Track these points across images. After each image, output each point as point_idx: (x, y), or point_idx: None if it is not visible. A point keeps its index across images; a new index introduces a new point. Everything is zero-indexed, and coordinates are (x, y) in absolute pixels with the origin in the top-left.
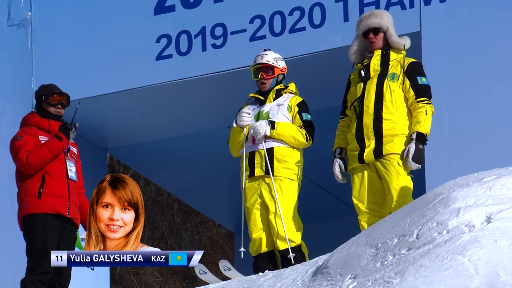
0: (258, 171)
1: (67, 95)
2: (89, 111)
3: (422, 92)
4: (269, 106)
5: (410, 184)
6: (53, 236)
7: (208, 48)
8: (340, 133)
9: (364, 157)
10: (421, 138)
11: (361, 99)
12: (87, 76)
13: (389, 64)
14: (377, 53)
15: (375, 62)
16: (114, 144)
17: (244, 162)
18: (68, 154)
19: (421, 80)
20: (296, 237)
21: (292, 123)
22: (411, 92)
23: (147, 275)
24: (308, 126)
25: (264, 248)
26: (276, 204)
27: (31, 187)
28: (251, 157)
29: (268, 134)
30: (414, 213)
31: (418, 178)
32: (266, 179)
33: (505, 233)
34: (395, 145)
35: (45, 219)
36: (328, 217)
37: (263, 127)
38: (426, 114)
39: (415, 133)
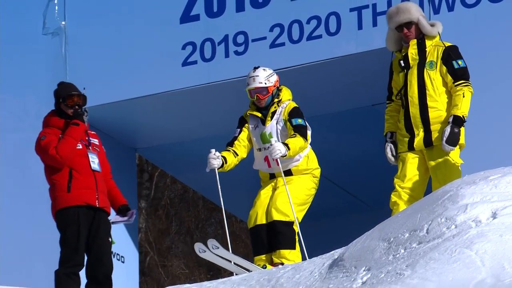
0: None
1: (84, 96)
2: (119, 114)
3: (459, 75)
4: (270, 127)
5: (458, 173)
6: (84, 228)
7: (231, 54)
8: (389, 118)
9: (414, 145)
10: (458, 121)
11: (404, 90)
12: (117, 81)
13: (426, 51)
14: (413, 42)
15: (413, 51)
16: (143, 145)
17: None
18: (90, 147)
19: (457, 64)
20: (291, 213)
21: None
22: (449, 77)
23: (174, 268)
24: (299, 129)
25: (260, 220)
26: (284, 183)
27: (60, 183)
28: (271, 176)
29: (285, 155)
30: (424, 209)
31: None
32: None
33: (510, 228)
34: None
35: (77, 211)
36: (343, 213)
37: (281, 149)
38: (464, 96)
39: (452, 116)
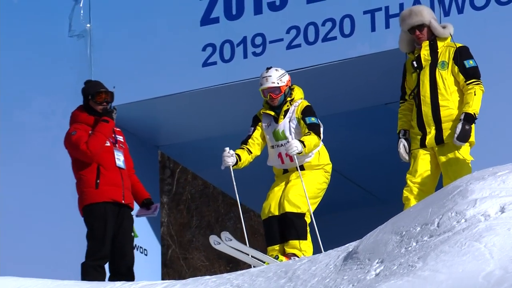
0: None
1: (111, 93)
2: (142, 113)
3: (470, 74)
4: (283, 125)
5: (468, 169)
6: (111, 223)
7: (249, 55)
8: (402, 116)
9: (426, 142)
10: (469, 118)
11: (417, 90)
12: (140, 81)
13: (437, 52)
14: (425, 44)
15: (425, 52)
16: (165, 142)
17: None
18: (117, 144)
19: (468, 64)
20: (303, 205)
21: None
22: (461, 76)
23: (195, 260)
24: (313, 127)
25: (273, 212)
26: (300, 176)
27: (88, 179)
28: (285, 171)
29: (301, 152)
30: (435, 203)
31: None
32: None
33: None
34: (454, 133)
35: (104, 207)
36: (357, 207)
37: (298, 146)
38: (475, 94)
39: (463, 114)
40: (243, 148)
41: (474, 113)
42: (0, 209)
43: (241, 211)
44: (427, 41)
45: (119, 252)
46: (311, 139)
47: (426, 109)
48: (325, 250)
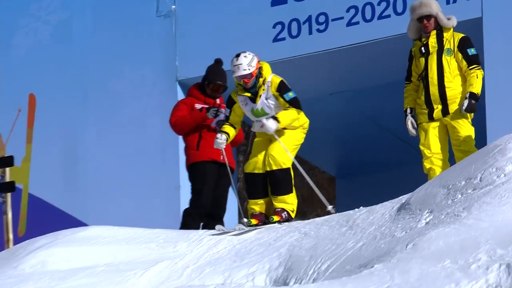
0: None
1: (224, 87)
2: None
3: (472, 61)
4: (261, 103)
5: (472, 132)
6: (210, 178)
7: (314, 32)
8: (408, 96)
9: (433, 115)
10: (474, 97)
11: (425, 73)
12: (218, 55)
13: (443, 40)
14: (433, 33)
15: (432, 40)
16: None
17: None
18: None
19: (471, 52)
20: (287, 161)
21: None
22: (464, 63)
23: None
24: (293, 102)
25: (258, 168)
26: (279, 140)
27: (191, 142)
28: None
29: (277, 128)
30: (478, 161)
31: (481, 133)
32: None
33: None
34: (457, 105)
35: (204, 165)
36: (409, 164)
37: (272, 125)
38: (477, 77)
39: (469, 93)
40: (228, 124)
41: (477, 93)
42: (99, 167)
43: (236, 192)
44: (435, 30)
45: (215, 202)
46: (287, 113)
47: (434, 89)
48: (382, 202)
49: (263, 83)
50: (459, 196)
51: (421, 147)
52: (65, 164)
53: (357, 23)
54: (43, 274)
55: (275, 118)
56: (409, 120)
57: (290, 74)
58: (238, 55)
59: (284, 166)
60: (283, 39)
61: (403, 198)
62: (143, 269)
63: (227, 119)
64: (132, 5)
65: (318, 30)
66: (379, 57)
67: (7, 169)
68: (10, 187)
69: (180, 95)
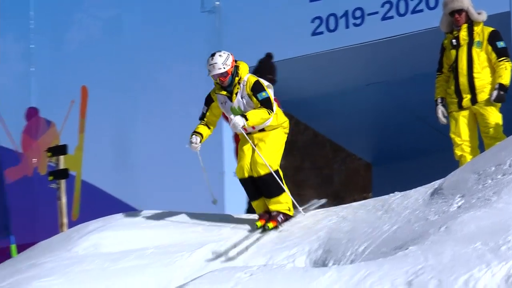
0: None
1: (275, 81)
2: None
3: (502, 53)
4: (237, 102)
5: (500, 119)
6: None
7: (350, 26)
8: (439, 86)
9: (462, 104)
10: (503, 87)
11: (456, 64)
12: (261, 48)
13: (473, 34)
14: (464, 26)
15: (463, 33)
16: (283, 98)
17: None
18: None
19: (500, 44)
20: (273, 163)
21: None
22: (493, 55)
23: (307, 197)
24: (264, 103)
25: (246, 173)
26: (253, 146)
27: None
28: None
29: (245, 125)
30: (507, 148)
31: (509, 120)
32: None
33: None
34: (486, 94)
35: None
36: (441, 151)
37: (239, 122)
38: (506, 69)
39: (498, 84)
40: (203, 124)
41: (506, 84)
42: (148, 155)
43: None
44: (466, 24)
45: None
46: (256, 112)
47: (463, 80)
48: (414, 187)
49: (239, 82)
50: (489, 181)
51: (452, 135)
52: (116, 153)
53: (392, 17)
54: (96, 256)
55: (243, 115)
56: (440, 109)
57: (328, 66)
58: (213, 55)
59: (272, 170)
60: (321, 33)
61: (436, 184)
62: (190, 251)
63: (203, 116)
64: (179, 1)
65: (355, 24)
66: (412, 50)
67: (61, 157)
68: (64, 174)
69: None
